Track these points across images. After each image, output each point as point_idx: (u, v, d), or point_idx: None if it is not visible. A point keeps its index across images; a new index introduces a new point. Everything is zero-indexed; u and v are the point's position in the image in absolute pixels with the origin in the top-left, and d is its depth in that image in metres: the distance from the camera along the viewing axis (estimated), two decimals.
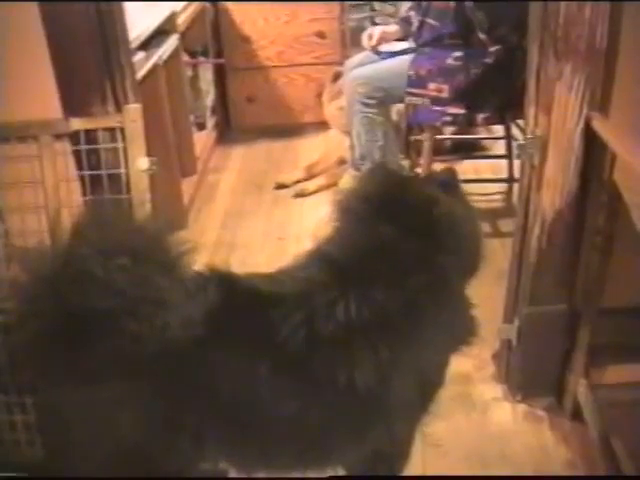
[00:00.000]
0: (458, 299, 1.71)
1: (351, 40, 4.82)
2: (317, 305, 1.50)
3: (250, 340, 1.49)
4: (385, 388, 1.54)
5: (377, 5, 5.28)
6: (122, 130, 2.05)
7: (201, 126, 4.66)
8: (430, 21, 3.37)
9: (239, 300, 1.51)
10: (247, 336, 1.49)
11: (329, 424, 1.55)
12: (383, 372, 1.51)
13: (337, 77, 4.21)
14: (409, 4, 3.78)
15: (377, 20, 5.20)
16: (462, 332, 1.73)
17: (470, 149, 4.31)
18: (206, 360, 1.47)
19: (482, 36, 3.15)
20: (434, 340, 1.63)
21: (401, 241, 1.62)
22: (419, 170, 3.61)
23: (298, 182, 4.17)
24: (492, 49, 3.16)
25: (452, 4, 3.25)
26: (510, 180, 3.76)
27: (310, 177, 4.19)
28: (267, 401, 1.50)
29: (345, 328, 1.49)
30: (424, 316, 1.58)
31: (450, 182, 1.80)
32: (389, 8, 5.17)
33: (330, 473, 1.78)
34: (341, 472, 1.82)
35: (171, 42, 3.67)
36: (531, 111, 2.12)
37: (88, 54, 1.99)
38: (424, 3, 3.46)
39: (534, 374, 2.44)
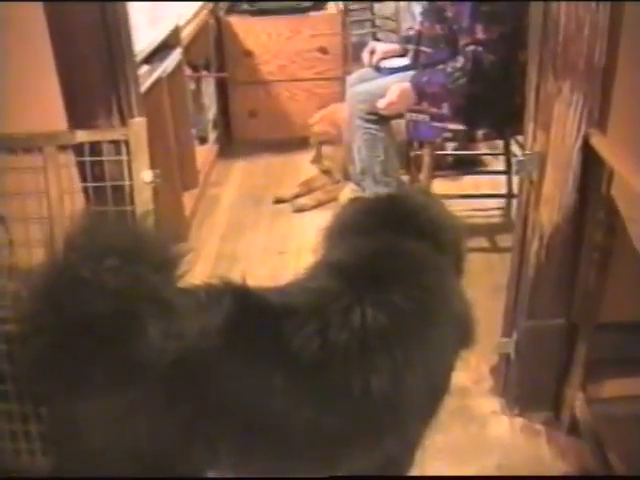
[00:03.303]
0: (459, 299, 1.75)
1: (353, 56, 4.86)
2: (331, 314, 1.51)
3: (265, 350, 1.50)
4: (400, 392, 1.55)
5: (378, 21, 5.33)
6: (126, 143, 2.07)
7: (203, 140, 4.67)
8: (424, 49, 3.39)
9: (253, 312, 1.52)
10: (261, 347, 1.50)
11: (344, 432, 1.56)
12: (398, 376, 1.53)
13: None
14: (409, 22, 3.82)
15: (379, 36, 5.24)
16: (465, 332, 1.75)
17: (470, 164, 4.33)
18: (221, 370, 1.48)
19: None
20: (443, 341, 1.66)
21: (403, 245, 1.67)
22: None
23: (297, 197, 4.18)
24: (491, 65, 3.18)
25: (440, 30, 3.29)
26: (509, 196, 3.77)
27: (309, 192, 4.21)
28: (281, 410, 1.51)
29: (361, 334, 1.50)
30: (434, 318, 1.62)
31: (423, 191, 1.89)
32: (390, 24, 5.21)
33: None
34: None
35: (174, 56, 3.69)
36: (530, 127, 2.14)
37: (94, 67, 2.02)
38: (416, 31, 3.49)
39: (532, 388, 2.45)
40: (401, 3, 4.96)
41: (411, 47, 3.50)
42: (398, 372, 1.53)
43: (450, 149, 4.17)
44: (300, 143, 4.60)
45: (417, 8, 3.58)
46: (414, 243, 1.71)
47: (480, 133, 3.34)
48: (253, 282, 1.64)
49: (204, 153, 4.55)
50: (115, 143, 2.07)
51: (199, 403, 1.48)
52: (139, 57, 2.82)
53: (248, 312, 1.51)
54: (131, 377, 1.42)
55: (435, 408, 1.74)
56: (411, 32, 3.61)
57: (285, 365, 1.49)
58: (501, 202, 3.89)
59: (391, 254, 1.67)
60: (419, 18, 3.49)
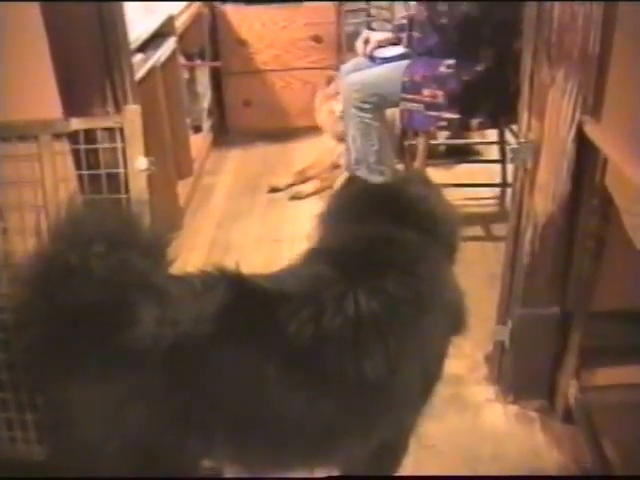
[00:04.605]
0: (452, 287, 1.76)
1: (347, 45, 4.85)
2: (325, 300, 1.51)
3: (260, 337, 1.50)
4: (393, 379, 1.56)
5: (373, 11, 5.32)
6: (121, 130, 2.07)
7: (197, 129, 4.67)
8: (416, 34, 3.38)
9: (247, 298, 1.52)
10: (256, 333, 1.50)
11: (339, 419, 1.56)
12: (392, 363, 1.54)
13: (330, 81, 4.23)
14: (404, 12, 3.81)
15: (373, 25, 5.24)
16: (457, 319, 1.76)
17: (464, 153, 4.33)
18: (215, 358, 1.48)
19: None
20: (436, 328, 1.67)
21: (398, 233, 1.67)
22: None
23: (292, 185, 4.19)
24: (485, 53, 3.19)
25: (425, 14, 3.28)
26: (503, 185, 3.78)
27: (303, 180, 4.22)
28: (277, 398, 1.51)
29: (354, 321, 1.51)
30: (427, 305, 1.62)
31: (422, 179, 1.90)
32: (385, 13, 5.20)
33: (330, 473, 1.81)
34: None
35: (169, 45, 3.69)
36: (524, 116, 2.14)
37: (89, 55, 2.01)
38: (409, 17, 3.49)
39: (526, 376, 2.46)
40: None
41: (405, 34, 3.49)
42: (391, 358, 1.53)
43: (444, 138, 4.18)
44: (294, 132, 4.59)
45: None
46: (408, 231, 1.71)
47: (475, 122, 3.34)
48: (247, 270, 1.65)
49: (198, 142, 4.55)
50: (110, 131, 2.07)
51: (194, 391, 1.49)
52: (133, 45, 2.82)
53: (243, 299, 1.51)
54: (126, 364, 1.43)
55: (428, 394, 1.75)
56: (404, 20, 3.61)
57: (280, 351, 1.50)
58: (495, 191, 3.90)
59: (385, 241, 1.67)
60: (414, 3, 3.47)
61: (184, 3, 4.16)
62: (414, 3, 3.52)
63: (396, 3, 4.95)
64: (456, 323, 1.76)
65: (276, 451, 1.61)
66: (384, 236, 1.68)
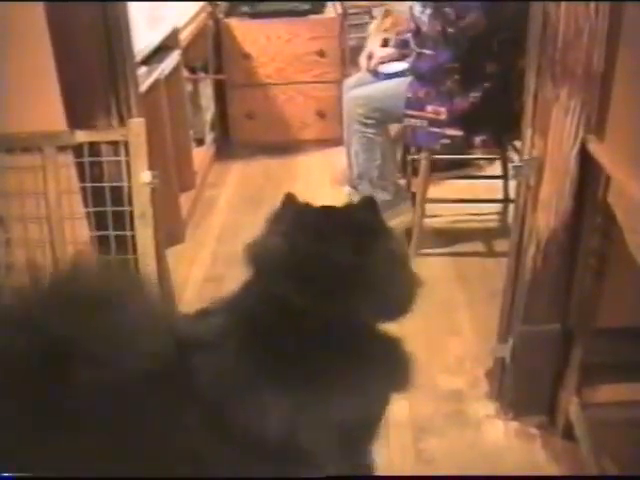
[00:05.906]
0: (381, 348, 1.60)
1: (350, 59, 4.87)
2: (227, 355, 1.49)
3: (167, 381, 1.47)
4: (293, 440, 1.49)
5: None
6: (125, 143, 2.07)
7: (200, 141, 4.68)
8: (426, 51, 3.38)
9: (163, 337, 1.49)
10: (166, 377, 1.47)
11: (245, 468, 1.51)
12: (287, 426, 1.47)
13: (387, 15, 4.16)
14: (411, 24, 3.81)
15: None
16: (391, 379, 1.63)
17: (465, 166, 4.34)
18: (140, 399, 1.44)
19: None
20: (352, 390, 1.54)
21: (314, 297, 1.53)
22: (414, 190, 3.63)
23: None
24: (490, 71, 3.20)
25: (438, 28, 3.27)
26: (505, 200, 3.78)
27: None
28: (193, 446, 1.47)
29: (249, 381, 1.48)
30: (336, 367, 1.52)
31: (370, 215, 1.65)
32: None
33: None
34: None
35: (173, 57, 3.71)
36: (528, 133, 2.15)
37: (93, 67, 2.02)
38: (415, 31, 3.48)
39: (527, 392, 2.45)
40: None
41: (414, 49, 3.48)
42: (286, 422, 1.47)
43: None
44: (297, 145, 4.58)
45: (417, 8, 3.55)
46: (329, 297, 1.54)
47: (478, 139, 3.34)
48: None
49: (201, 155, 4.56)
50: (114, 144, 2.08)
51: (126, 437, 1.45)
52: (138, 58, 2.82)
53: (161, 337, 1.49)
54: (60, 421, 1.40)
55: (359, 444, 1.67)
56: (407, 35, 3.61)
57: (188, 402, 1.46)
58: (498, 207, 3.89)
59: (300, 305, 1.53)
60: (424, 18, 3.44)
61: (188, 16, 4.17)
62: (421, 14, 3.49)
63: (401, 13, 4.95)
64: (395, 381, 1.64)
65: None
66: (305, 300, 1.53)
